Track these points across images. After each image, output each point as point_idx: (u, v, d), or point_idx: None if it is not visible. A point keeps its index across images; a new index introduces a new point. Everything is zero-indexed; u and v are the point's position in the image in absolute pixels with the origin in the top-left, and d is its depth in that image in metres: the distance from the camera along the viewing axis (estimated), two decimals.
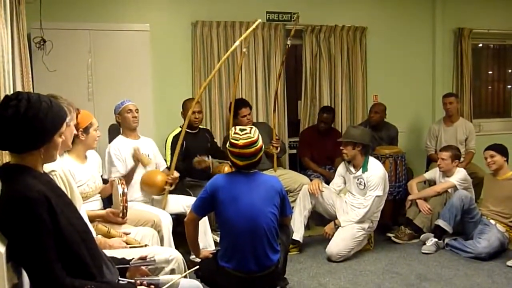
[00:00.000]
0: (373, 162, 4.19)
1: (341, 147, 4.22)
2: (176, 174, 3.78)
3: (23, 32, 3.15)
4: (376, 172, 4.11)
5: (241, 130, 2.86)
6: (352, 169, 4.25)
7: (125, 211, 3.05)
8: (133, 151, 3.62)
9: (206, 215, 3.05)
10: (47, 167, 1.91)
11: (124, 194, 3.05)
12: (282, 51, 5.23)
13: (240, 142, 2.80)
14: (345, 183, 4.38)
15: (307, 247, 4.33)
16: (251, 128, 2.90)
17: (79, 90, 4.21)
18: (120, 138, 3.79)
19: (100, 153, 3.59)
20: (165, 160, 4.13)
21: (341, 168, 4.40)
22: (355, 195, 4.26)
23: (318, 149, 5.20)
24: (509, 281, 3.53)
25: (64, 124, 1.80)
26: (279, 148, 4.71)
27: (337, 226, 4.13)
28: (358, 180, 4.19)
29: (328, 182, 4.54)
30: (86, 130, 3.05)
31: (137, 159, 3.61)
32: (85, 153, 3.17)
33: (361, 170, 4.17)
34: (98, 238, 2.65)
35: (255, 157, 2.85)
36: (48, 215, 1.64)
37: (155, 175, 3.68)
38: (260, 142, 2.86)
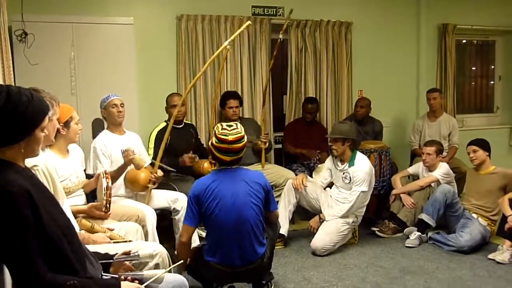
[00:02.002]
0: (360, 157, 4.20)
1: (330, 143, 4.22)
2: (160, 173, 3.77)
3: (4, 25, 3.10)
4: (362, 167, 4.12)
5: (229, 126, 2.90)
6: (339, 163, 4.27)
7: (108, 205, 3.02)
8: (126, 152, 3.51)
9: (199, 223, 3.04)
10: (29, 162, 1.89)
11: (108, 188, 3.02)
12: (267, 46, 5.23)
13: (230, 138, 2.83)
14: (331, 177, 4.40)
15: (292, 241, 4.35)
16: (236, 123, 2.94)
17: (62, 84, 4.16)
18: (105, 133, 3.75)
19: (83, 147, 3.55)
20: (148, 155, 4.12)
21: (328, 162, 4.42)
22: (340, 189, 4.28)
23: (303, 142, 5.21)
24: (491, 274, 3.58)
25: (46, 118, 1.77)
26: (267, 143, 4.71)
27: (321, 220, 4.15)
28: (344, 174, 4.21)
29: (310, 163, 4.59)
30: (66, 124, 2.99)
31: (130, 161, 3.55)
32: (66, 147, 3.12)
33: (347, 164, 4.19)
34: (82, 234, 2.63)
35: (241, 152, 2.91)
36: (30, 211, 1.61)
37: (138, 172, 3.64)
38: (246, 137, 2.92)
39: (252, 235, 2.82)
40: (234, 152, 2.86)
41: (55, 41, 4.15)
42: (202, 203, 2.83)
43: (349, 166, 4.17)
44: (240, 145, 2.86)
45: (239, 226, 2.79)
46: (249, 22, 3.96)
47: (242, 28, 3.87)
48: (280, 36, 4.50)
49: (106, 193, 3.00)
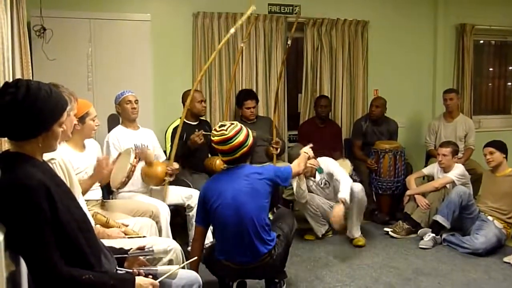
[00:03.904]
0: (320, 160, 4.24)
1: None
2: (176, 165, 3.79)
3: (23, 20, 3.13)
4: (327, 161, 4.22)
5: (220, 126, 2.90)
6: (311, 179, 4.31)
7: (131, 173, 3.12)
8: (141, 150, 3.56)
9: (210, 223, 3.07)
10: (46, 155, 1.90)
11: (136, 156, 3.16)
12: (283, 44, 5.22)
13: (215, 139, 2.87)
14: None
15: (304, 241, 4.35)
16: (232, 124, 2.90)
17: (79, 79, 4.20)
18: (119, 128, 3.79)
19: (100, 142, 3.59)
20: (165, 152, 4.13)
21: None
22: (329, 199, 4.33)
23: (317, 142, 5.16)
24: (506, 277, 3.54)
25: (64, 113, 1.78)
26: (279, 150, 4.70)
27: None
28: (321, 183, 4.26)
29: None
30: (82, 119, 2.99)
31: (144, 158, 3.58)
32: (82, 142, 3.14)
33: (317, 173, 4.24)
34: (97, 228, 2.64)
35: (235, 153, 2.87)
36: (47, 204, 1.63)
37: (155, 166, 3.67)
38: (238, 139, 2.84)
39: (252, 234, 2.79)
40: (223, 153, 2.89)
41: (73, 36, 4.20)
42: (207, 203, 2.87)
43: (320, 173, 4.23)
44: (226, 147, 2.84)
45: (238, 224, 2.79)
46: (253, 6, 3.81)
47: (247, 13, 3.78)
48: (289, 42, 4.49)
49: (135, 160, 3.10)
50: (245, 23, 4.98)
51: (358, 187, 4.16)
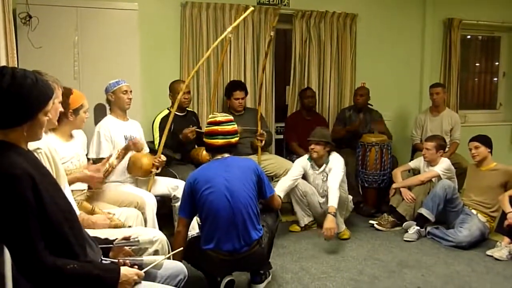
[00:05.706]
0: (334, 154, 4.33)
1: (311, 146, 4.27)
2: (164, 158, 3.77)
3: (8, 7, 3.07)
4: (336, 158, 4.28)
5: (219, 112, 3.11)
6: (316, 167, 4.36)
7: (110, 169, 3.08)
8: (136, 144, 3.52)
9: (195, 215, 3.06)
10: (32, 145, 1.88)
11: (118, 157, 3.16)
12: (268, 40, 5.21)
13: (219, 118, 2.98)
14: (302, 176, 4.41)
15: (290, 232, 4.38)
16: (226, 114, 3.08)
17: (65, 68, 4.14)
18: (109, 118, 3.74)
19: (86, 132, 3.54)
20: (153, 142, 4.12)
21: (302, 161, 4.42)
22: (320, 194, 4.37)
23: (304, 134, 5.19)
24: (488, 270, 3.59)
25: (50, 102, 1.76)
26: (263, 142, 4.70)
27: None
28: (322, 175, 4.30)
29: None
30: (76, 111, 2.98)
31: (138, 150, 3.56)
32: (70, 133, 3.12)
33: (324, 165, 4.30)
34: (81, 215, 2.62)
35: (233, 137, 2.99)
36: (32, 193, 1.61)
37: (141, 158, 3.65)
38: (236, 125, 3.05)
39: (246, 218, 2.84)
40: (224, 135, 2.95)
41: (59, 24, 4.13)
42: (197, 192, 2.87)
43: (326, 164, 4.29)
44: (229, 127, 2.98)
45: (232, 208, 2.82)
46: (252, 8, 3.98)
47: (245, 14, 3.88)
48: (272, 33, 4.49)
49: (114, 161, 3.09)
50: (235, 12, 4.98)
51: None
